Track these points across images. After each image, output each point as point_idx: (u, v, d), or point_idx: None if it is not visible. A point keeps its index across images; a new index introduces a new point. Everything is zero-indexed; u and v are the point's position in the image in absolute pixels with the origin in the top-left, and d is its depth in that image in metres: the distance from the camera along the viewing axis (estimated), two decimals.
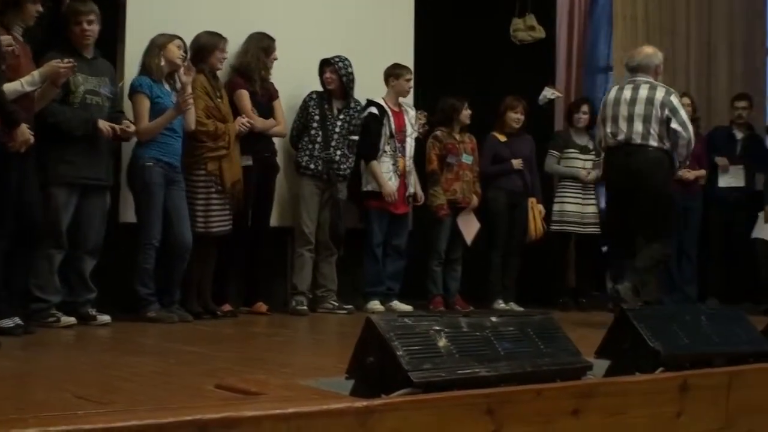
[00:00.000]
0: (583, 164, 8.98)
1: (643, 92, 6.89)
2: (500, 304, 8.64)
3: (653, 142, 6.83)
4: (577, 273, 9.34)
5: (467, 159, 8.54)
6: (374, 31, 8.61)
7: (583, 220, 8.92)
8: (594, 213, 8.98)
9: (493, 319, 3.58)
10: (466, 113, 8.55)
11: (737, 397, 4.25)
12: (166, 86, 6.86)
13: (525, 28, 9.94)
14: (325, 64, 7.93)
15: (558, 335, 3.79)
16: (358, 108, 8.04)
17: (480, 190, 8.66)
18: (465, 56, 9.59)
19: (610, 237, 7.67)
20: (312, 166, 7.81)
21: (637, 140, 6.83)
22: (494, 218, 8.71)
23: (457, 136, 8.56)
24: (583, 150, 9.03)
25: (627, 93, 6.94)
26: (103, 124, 6.25)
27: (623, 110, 6.88)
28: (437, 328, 3.31)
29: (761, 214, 8.97)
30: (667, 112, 6.84)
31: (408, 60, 8.65)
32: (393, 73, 8.25)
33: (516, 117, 8.82)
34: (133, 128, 6.52)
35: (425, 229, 8.53)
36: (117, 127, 6.35)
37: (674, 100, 6.91)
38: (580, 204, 8.92)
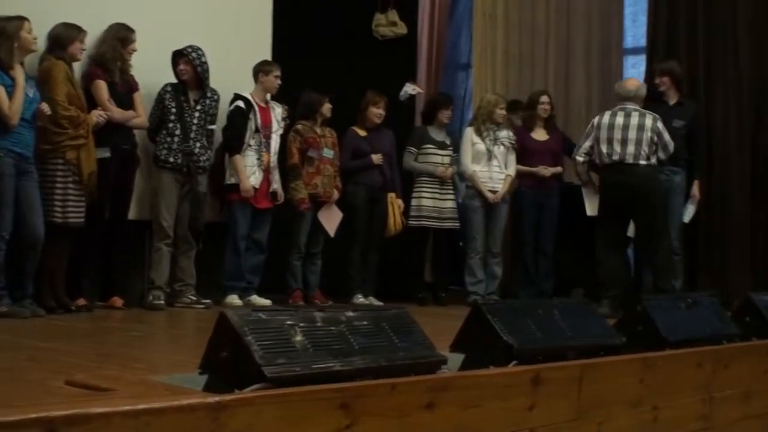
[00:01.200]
0: (441, 160, 9.05)
1: (635, 120, 8.15)
2: (359, 299, 8.66)
3: (642, 161, 8.10)
4: (435, 268, 9.42)
5: (328, 153, 8.54)
6: (232, 22, 8.55)
7: (441, 215, 8.99)
8: (452, 208, 9.06)
9: (348, 313, 3.58)
10: (327, 107, 8.56)
11: (589, 389, 4.34)
12: (20, 76, 6.67)
13: (387, 24, 10.00)
14: (178, 55, 7.86)
15: (413, 329, 3.82)
16: (215, 98, 8.00)
17: (341, 185, 8.67)
18: (326, 50, 9.58)
19: (604, 246, 8.36)
20: (171, 159, 7.73)
21: (630, 160, 8.09)
22: (354, 213, 8.72)
23: (318, 130, 8.55)
24: (441, 146, 9.10)
25: (620, 119, 8.19)
26: None
27: (617, 134, 8.13)
28: (291, 322, 3.30)
29: None
30: (655, 137, 8.14)
31: (266, 52, 8.64)
32: (262, 69, 8.25)
33: (378, 112, 8.85)
34: None
35: (286, 223, 8.50)
36: None
37: (659, 125, 8.20)
38: (438, 199, 8.99)
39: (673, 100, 8.86)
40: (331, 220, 8.58)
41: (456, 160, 9.08)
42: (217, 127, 8.16)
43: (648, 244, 8.32)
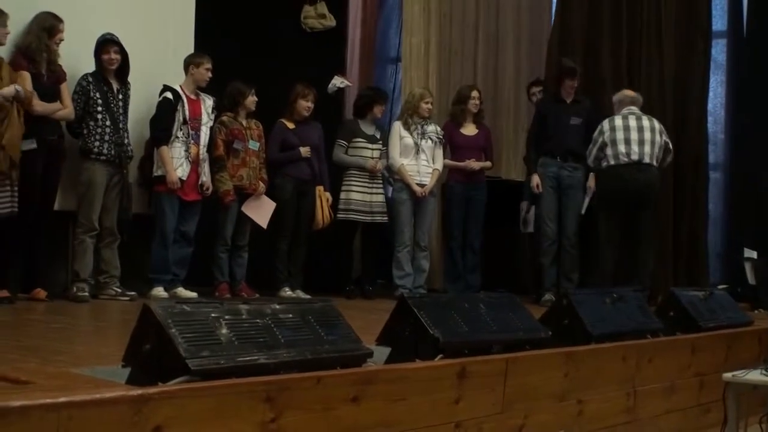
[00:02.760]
0: (371, 153, 9.05)
1: (647, 122, 8.49)
2: (287, 292, 8.62)
3: (655, 162, 8.46)
4: (363, 261, 9.42)
5: (254, 145, 8.48)
6: (155, 11, 8.46)
7: (371, 209, 8.98)
8: (381, 202, 9.06)
9: (274, 306, 3.57)
10: (252, 99, 8.49)
11: (514, 383, 4.37)
12: None
13: (316, 16, 9.98)
14: (109, 43, 7.70)
15: (339, 322, 3.82)
16: (130, 87, 7.91)
17: (266, 177, 8.62)
18: (255, 42, 9.54)
19: (607, 241, 8.55)
20: (105, 150, 7.62)
21: (647, 160, 8.40)
22: (281, 205, 8.67)
23: (244, 122, 8.49)
24: (371, 140, 9.10)
25: (632, 122, 8.47)
26: None
27: (634, 135, 8.40)
28: (216, 315, 3.29)
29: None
30: (665, 138, 8.53)
31: (189, 42, 8.59)
32: (193, 61, 8.17)
33: (306, 105, 8.80)
34: None
35: (214, 216, 8.43)
36: None
37: (664, 129, 8.60)
38: (367, 193, 8.99)
39: (570, 98, 9.11)
40: (260, 211, 8.53)
41: (386, 154, 9.09)
42: (142, 118, 8.08)
43: (646, 241, 8.54)
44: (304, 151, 8.70)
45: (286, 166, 8.72)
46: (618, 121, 8.48)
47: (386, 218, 9.12)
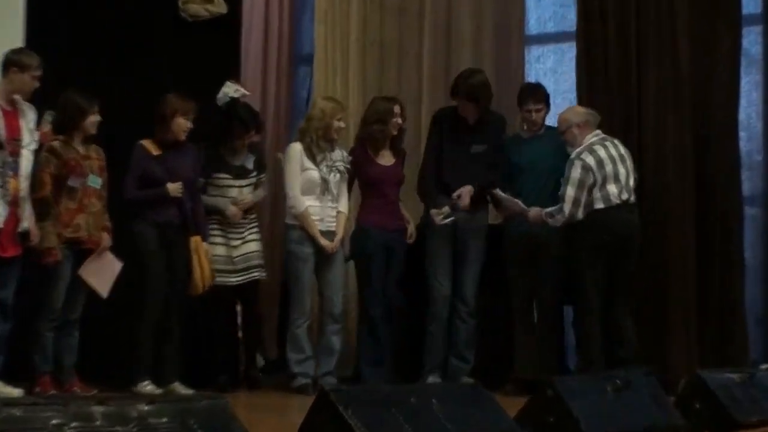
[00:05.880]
0: (239, 193, 9.03)
1: (622, 149, 8.82)
2: (147, 387, 8.38)
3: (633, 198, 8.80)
4: (245, 337, 9.39)
5: (94, 182, 8.18)
6: None
7: (246, 264, 9.00)
8: (256, 251, 9.08)
9: (142, 407, 3.52)
10: (92, 121, 8.21)
11: None
12: None
13: (200, 1, 9.95)
14: None
15: (234, 427, 3.78)
16: None
17: (110, 224, 8.38)
18: (114, 36, 9.51)
19: (595, 308, 8.70)
20: None
21: (633, 198, 8.75)
22: (142, 263, 8.43)
23: (81, 150, 8.27)
24: (239, 173, 9.10)
25: (612, 150, 8.75)
26: None
27: (621, 169, 8.70)
28: (59, 422, 3.23)
29: None
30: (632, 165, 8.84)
31: (16, 36, 8.52)
32: (17, 62, 7.90)
33: (185, 124, 8.54)
34: None
35: (37, 279, 8.20)
36: None
37: None
38: (234, 246, 9.00)
39: (473, 117, 9.11)
40: (101, 275, 8.30)
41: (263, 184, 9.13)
42: None
43: (624, 298, 8.77)
44: (173, 188, 8.43)
45: (147, 209, 8.55)
46: (601, 152, 8.68)
47: (264, 273, 9.12)
